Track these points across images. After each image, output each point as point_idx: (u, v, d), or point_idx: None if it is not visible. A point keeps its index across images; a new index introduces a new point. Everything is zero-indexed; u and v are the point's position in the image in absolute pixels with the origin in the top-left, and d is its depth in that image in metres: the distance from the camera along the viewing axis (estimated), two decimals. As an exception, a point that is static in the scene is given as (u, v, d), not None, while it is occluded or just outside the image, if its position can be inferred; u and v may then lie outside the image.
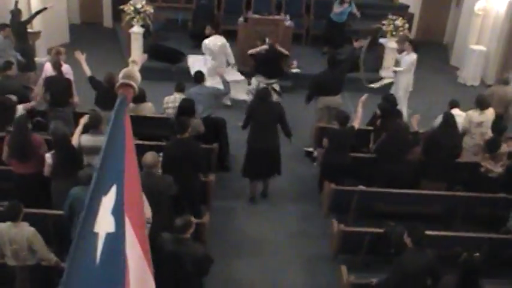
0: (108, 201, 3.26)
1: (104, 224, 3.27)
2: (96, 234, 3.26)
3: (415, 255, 6.01)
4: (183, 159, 7.36)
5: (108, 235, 3.29)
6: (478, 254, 5.94)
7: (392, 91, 11.20)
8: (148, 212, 5.94)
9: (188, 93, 9.20)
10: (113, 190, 3.27)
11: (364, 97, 9.12)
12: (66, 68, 9.72)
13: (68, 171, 7.00)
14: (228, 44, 11.48)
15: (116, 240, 3.31)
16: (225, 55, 11.43)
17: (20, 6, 11.99)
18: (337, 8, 13.87)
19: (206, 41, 11.32)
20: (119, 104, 3.43)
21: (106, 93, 8.81)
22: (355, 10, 14.13)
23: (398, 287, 6.16)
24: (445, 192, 8.33)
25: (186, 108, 8.31)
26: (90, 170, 6.65)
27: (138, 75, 3.58)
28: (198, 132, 8.29)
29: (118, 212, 3.30)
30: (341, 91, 10.23)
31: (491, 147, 8.39)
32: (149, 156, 6.59)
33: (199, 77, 9.34)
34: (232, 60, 11.58)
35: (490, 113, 9.19)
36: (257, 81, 11.14)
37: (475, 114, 9.16)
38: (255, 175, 9.05)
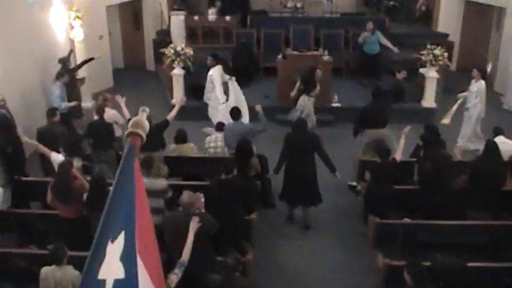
0: (115, 248, 3.28)
1: (112, 270, 3.29)
2: (102, 282, 3.29)
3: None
4: (228, 199, 7.43)
5: (117, 282, 3.32)
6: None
7: (465, 120, 11.27)
8: (186, 255, 6.00)
9: (224, 130, 9.33)
10: (121, 237, 3.30)
11: (406, 129, 9.05)
12: (113, 114, 9.98)
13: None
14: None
15: (125, 286, 3.34)
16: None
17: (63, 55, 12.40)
18: (360, 37, 14.13)
19: (211, 72, 11.71)
20: (127, 152, 3.50)
21: (148, 134, 9.01)
22: (384, 41, 14.20)
23: None
24: (490, 222, 8.16)
25: (244, 149, 8.42)
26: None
27: (146, 124, 3.68)
28: (256, 170, 8.35)
29: (129, 258, 3.33)
30: (387, 123, 10.18)
31: None
32: (186, 196, 6.67)
33: (236, 113, 9.43)
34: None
35: None
36: (303, 100, 11.29)
37: None
38: (291, 199, 9.20)
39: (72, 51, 12.74)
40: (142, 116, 3.76)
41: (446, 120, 11.61)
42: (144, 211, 3.59)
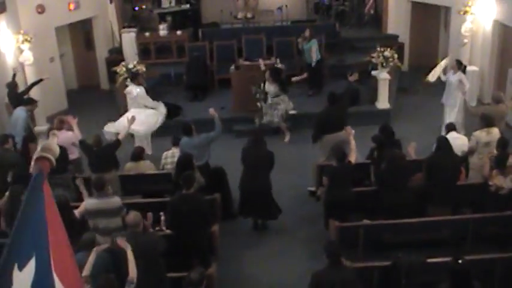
0: (25, 277, 3.23)
1: None
2: None
3: (331, 271, 6.23)
4: (191, 214, 7.36)
5: None
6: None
7: (447, 111, 11.77)
8: (132, 272, 5.96)
9: (180, 146, 9.30)
10: (31, 263, 3.25)
11: (349, 129, 9.18)
12: (70, 136, 9.85)
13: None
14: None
15: None
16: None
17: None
18: (299, 45, 14.08)
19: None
20: (34, 178, 3.43)
21: (96, 156, 8.97)
22: (312, 52, 13.73)
23: None
24: (451, 217, 8.29)
25: (185, 163, 8.35)
26: (93, 234, 6.70)
27: (55, 148, 3.62)
28: (200, 184, 8.32)
29: (43, 284, 3.28)
30: (344, 127, 10.26)
31: (499, 162, 8.37)
32: (131, 216, 6.63)
33: (188, 128, 9.39)
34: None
35: (496, 133, 9.18)
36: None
37: (482, 135, 9.19)
38: (248, 214, 9.38)
39: (15, 74, 12.48)
40: (53, 140, 3.69)
41: (431, 78, 11.92)
42: (60, 236, 3.53)
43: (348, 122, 10.20)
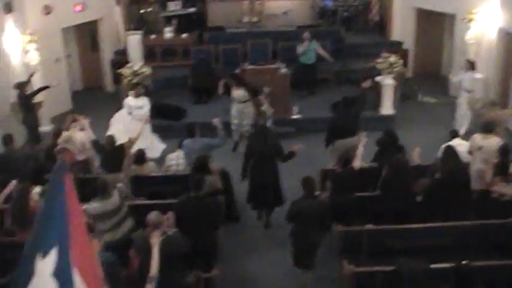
0: (47, 264, 3.27)
1: (42, 287, 3.27)
2: None
3: (307, 202, 7.63)
4: (196, 216, 7.39)
5: None
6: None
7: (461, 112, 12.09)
8: (154, 269, 5.99)
9: (183, 147, 9.33)
10: (53, 253, 3.29)
11: (363, 136, 9.20)
12: (82, 136, 9.85)
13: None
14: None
15: None
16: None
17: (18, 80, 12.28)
18: (300, 48, 14.13)
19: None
20: (57, 168, 3.48)
21: (109, 156, 8.98)
22: (321, 51, 14.26)
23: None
24: (454, 223, 8.28)
25: (201, 165, 8.38)
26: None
27: (76, 140, 3.68)
28: (215, 189, 8.34)
29: (63, 273, 3.32)
30: (357, 132, 10.28)
31: (501, 169, 8.38)
32: (153, 216, 6.62)
33: (192, 129, 9.44)
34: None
35: (492, 140, 9.17)
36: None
37: (478, 137, 9.27)
38: (256, 203, 9.58)
39: (32, 75, 12.58)
40: (74, 132, 3.75)
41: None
42: (80, 225, 3.58)
43: (359, 127, 10.24)
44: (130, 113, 11.74)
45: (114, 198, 7.38)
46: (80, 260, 3.45)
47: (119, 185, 7.58)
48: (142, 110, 11.67)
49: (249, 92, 11.78)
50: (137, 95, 11.90)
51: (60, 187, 3.44)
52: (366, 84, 11.03)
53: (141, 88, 12.14)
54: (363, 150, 8.97)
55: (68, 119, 10.04)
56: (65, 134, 3.48)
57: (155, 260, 6.13)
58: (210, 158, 9.16)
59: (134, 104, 11.79)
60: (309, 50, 14.18)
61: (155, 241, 6.26)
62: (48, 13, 14.05)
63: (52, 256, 3.30)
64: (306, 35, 14.16)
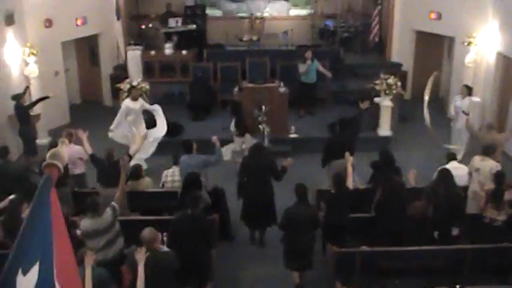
0: (27, 281, 3.23)
1: None
2: None
3: (300, 208, 7.88)
4: (193, 234, 7.36)
5: None
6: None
7: (458, 136, 12.21)
8: (139, 286, 5.98)
9: (180, 163, 9.32)
10: (35, 269, 3.26)
11: (348, 156, 9.22)
12: (78, 150, 9.85)
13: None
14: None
15: None
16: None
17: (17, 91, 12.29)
18: (302, 67, 14.14)
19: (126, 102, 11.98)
20: (43, 183, 3.46)
21: (107, 170, 8.95)
22: (321, 68, 14.34)
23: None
24: (448, 246, 8.26)
25: (191, 182, 8.37)
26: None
27: (63, 155, 3.66)
28: (207, 204, 8.32)
29: None
30: (354, 153, 10.28)
31: (494, 197, 8.38)
32: (147, 232, 6.60)
33: (189, 146, 9.44)
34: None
35: (489, 163, 9.16)
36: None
37: (477, 159, 9.34)
38: (249, 221, 9.56)
39: (28, 87, 12.62)
40: (61, 147, 3.75)
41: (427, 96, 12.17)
42: (63, 243, 3.54)
43: (355, 148, 10.24)
44: (128, 116, 11.82)
45: (107, 216, 7.33)
46: (62, 277, 3.41)
47: (112, 202, 7.53)
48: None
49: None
50: (134, 98, 11.92)
51: (45, 203, 3.41)
52: (364, 105, 11.03)
53: (136, 90, 12.20)
54: (352, 170, 8.96)
55: (64, 133, 10.05)
56: (52, 150, 3.48)
57: (140, 277, 6.12)
58: (205, 174, 9.17)
59: (133, 106, 11.84)
60: (311, 69, 14.22)
61: (140, 257, 6.25)
62: (48, 26, 14.12)
63: (33, 272, 3.26)
64: (308, 54, 14.21)
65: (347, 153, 9.31)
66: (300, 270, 8.24)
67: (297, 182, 9.71)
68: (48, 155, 3.63)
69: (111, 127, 11.82)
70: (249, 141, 11.66)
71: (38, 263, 3.28)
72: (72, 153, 9.74)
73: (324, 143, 10.61)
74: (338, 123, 10.53)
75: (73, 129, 10.27)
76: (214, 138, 9.47)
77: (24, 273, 3.22)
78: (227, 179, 10.41)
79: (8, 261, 3.17)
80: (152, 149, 12.03)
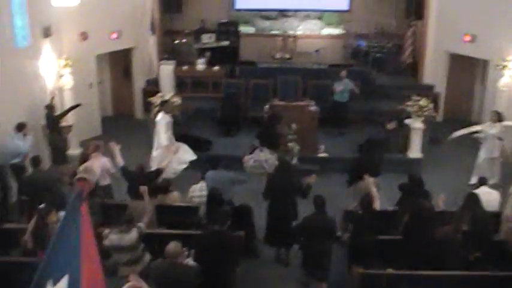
0: None
1: None
2: None
3: (317, 217, 8.13)
4: (220, 251, 7.34)
5: None
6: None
7: (488, 162, 12.10)
8: None
9: (206, 179, 9.34)
10: (64, 281, 3.29)
11: (371, 179, 9.17)
12: (105, 162, 9.93)
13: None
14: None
15: None
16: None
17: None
18: (338, 86, 14.15)
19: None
20: (74, 197, 3.51)
21: (136, 183, 9.01)
22: (352, 86, 14.41)
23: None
24: (475, 272, 8.12)
25: (213, 197, 8.39)
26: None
27: (95, 170, 3.73)
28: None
29: None
30: (380, 173, 10.21)
31: None
32: (172, 246, 6.62)
33: (215, 162, 9.46)
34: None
35: None
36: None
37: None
38: (273, 241, 9.49)
39: (53, 97, 12.78)
40: (94, 162, 3.80)
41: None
42: (92, 256, 3.59)
43: (382, 169, 10.18)
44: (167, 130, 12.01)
45: (132, 235, 7.42)
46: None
47: (140, 224, 7.61)
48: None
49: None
50: (169, 112, 12.13)
51: (76, 216, 3.47)
52: (390, 126, 11.00)
53: (170, 104, 12.39)
54: (376, 192, 8.93)
55: (91, 145, 10.15)
56: (84, 164, 3.54)
57: None
58: (233, 191, 9.18)
59: (170, 119, 12.04)
60: (346, 89, 14.23)
61: (137, 280, 6.16)
62: (84, 39, 14.35)
63: (62, 284, 3.31)
64: (344, 73, 14.28)
65: (366, 175, 9.26)
66: (319, 280, 8.39)
67: (326, 202, 9.71)
68: (80, 168, 3.70)
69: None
70: (267, 156, 11.54)
71: (67, 276, 3.33)
72: (99, 165, 9.83)
73: (350, 163, 10.57)
74: (365, 144, 10.48)
75: (99, 142, 10.39)
76: (246, 158, 9.50)
77: (54, 283, 3.27)
78: (255, 197, 10.38)
79: (38, 271, 3.22)
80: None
